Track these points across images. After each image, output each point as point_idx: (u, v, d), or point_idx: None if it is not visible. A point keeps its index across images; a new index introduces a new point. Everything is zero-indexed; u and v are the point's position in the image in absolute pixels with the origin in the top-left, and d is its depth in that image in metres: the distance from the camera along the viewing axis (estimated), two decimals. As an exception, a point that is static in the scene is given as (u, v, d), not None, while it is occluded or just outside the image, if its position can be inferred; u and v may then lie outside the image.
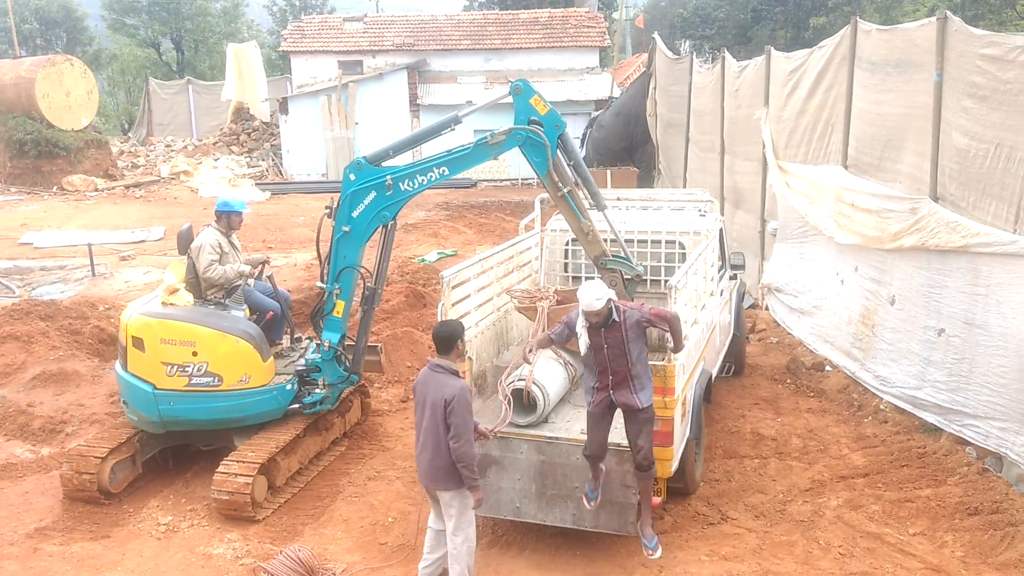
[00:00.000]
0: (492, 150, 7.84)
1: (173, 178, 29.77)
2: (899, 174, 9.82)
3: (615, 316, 6.51)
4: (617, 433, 7.42)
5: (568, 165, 7.78)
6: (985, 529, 7.33)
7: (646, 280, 9.48)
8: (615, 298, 6.64)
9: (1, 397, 10.70)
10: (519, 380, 7.49)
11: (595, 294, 6.42)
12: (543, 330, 7.73)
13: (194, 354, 8.20)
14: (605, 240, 7.98)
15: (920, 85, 9.23)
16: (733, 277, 10.79)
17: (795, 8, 42.86)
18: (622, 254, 7.96)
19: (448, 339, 6.43)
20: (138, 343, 8.29)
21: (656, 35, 24.05)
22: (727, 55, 15.98)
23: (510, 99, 7.87)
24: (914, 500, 7.93)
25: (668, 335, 6.79)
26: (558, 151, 7.69)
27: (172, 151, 34.82)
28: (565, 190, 7.66)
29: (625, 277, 7.86)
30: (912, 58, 9.43)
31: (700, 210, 9.93)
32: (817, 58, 11.80)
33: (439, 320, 7.66)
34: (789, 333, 12.67)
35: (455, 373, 6.38)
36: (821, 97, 11.74)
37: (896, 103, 9.87)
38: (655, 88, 22.99)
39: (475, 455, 6.33)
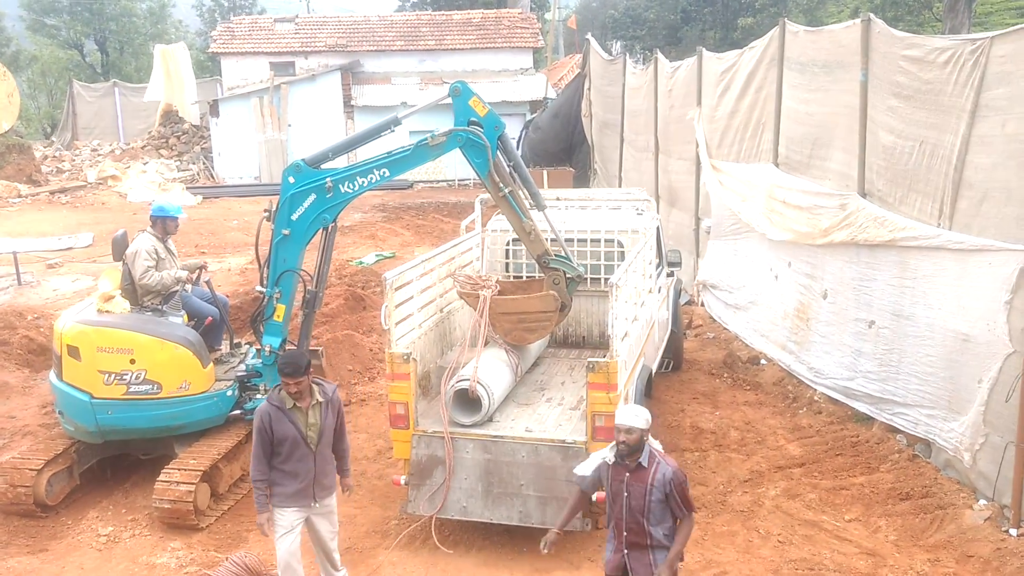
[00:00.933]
0: (433, 151, 7.87)
1: (100, 183, 29.03)
2: (828, 171, 10.11)
3: (645, 460, 5.30)
4: (562, 429, 7.55)
5: (508, 166, 7.85)
6: (916, 513, 7.60)
7: (587, 279, 9.63)
8: (656, 444, 5.51)
9: (-73, 410, 10.37)
10: (463, 380, 7.55)
11: (635, 410, 5.38)
12: (482, 318, 7.87)
13: (132, 362, 8.06)
14: (547, 240, 8.07)
15: (847, 85, 9.53)
16: (670, 274, 10.98)
17: (723, 9, 43.62)
18: (563, 254, 8.06)
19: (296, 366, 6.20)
20: (73, 352, 8.12)
21: (590, 36, 24.29)
22: (660, 56, 16.23)
23: (449, 101, 7.93)
24: (849, 487, 8.18)
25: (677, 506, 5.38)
26: (498, 152, 7.77)
27: (99, 155, 33.97)
28: (506, 190, 7.74)
29: (567, 276, 7.97)
30: (838, 59, 9.72)
31: (638, 209, 10.08)
32: (748, 59, 12.07)
33: (383, 323, 7.69)
34: (725, 328, 12.94)
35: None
36: (752, 97, 12.01)
37: (824, 103, 10.16)
38: (590, 89, 23.21)
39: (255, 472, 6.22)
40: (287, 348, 8.68)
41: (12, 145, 28.84)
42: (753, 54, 11.90)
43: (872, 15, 9.08)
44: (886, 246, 8.65)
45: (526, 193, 7.97)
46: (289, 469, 6.17)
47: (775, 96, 11.26)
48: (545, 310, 7.94)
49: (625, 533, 5.37)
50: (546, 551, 5.72)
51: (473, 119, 7.76)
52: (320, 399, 6.20)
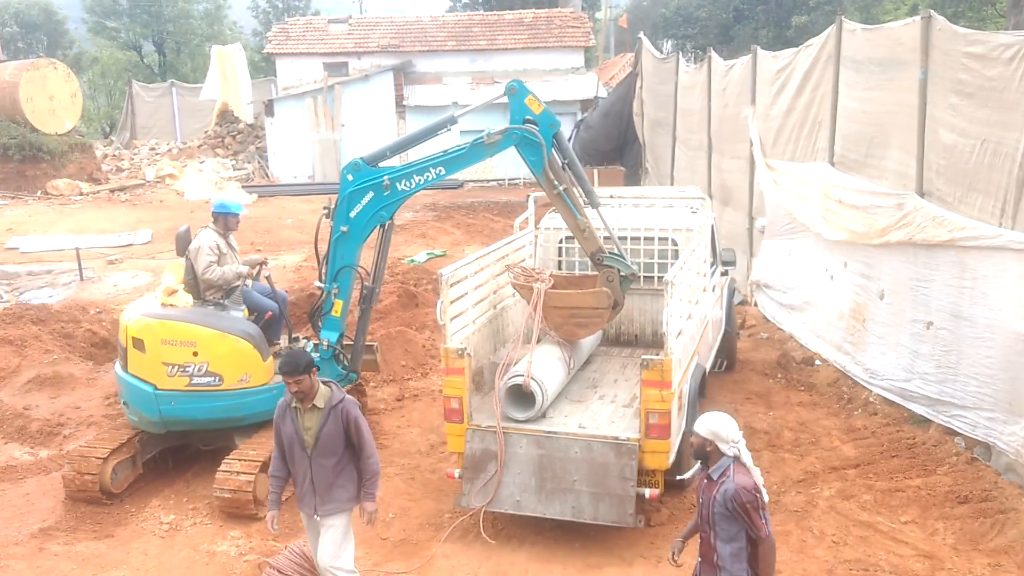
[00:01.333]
0: (488, 150, 7.97)
1: (159, 181, 29.67)
2: (885, 170, 10.00)
3: (716, 472, 5.00)
4: (615, 426, 7.59)
5: (562, 163, 7.91)
6: (975, 517, 7.50)
7: (640, 278, 9.65)
8: (745, 458, 5.03)
9: (-3, 400, 10.72)
10: (517, 375, 7.62)
11: (704, 417, 5.13)
12: (535, 311, 7.90)
13: (195, 354, 8.26)
14: (600, 237, 8.11)
15: (905, 83, 9.42)
16: (724, 273, 10.94)
17: (776, 7, 43.11)
18: (617, 251, 8.09)
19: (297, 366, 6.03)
20: (138, 344, 8.35)
21: (642, 35, 24.23)
22: (713, 54, 16.16)
23: (504, 99, 8.01)
24: (905, 489, 8.10)
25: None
26: (553, 150, 7.83)
27: (157, 154, 34.71)
28: (560, 188, 7.79)
29: (621, 274, 8.00)
30: (896, 56, 9.61)
31: (692, 207, 10.08)
32: (804, 57, 11.97)
33: (438, 320, 7.80)
34: (779, 328, 12.84)
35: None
36: (808, 95, 11.92)
37: (881, 101, 10.05)
38: (642, 88, 23.15)
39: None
40: (344, 343, 8.85)
41: (75, 144, 29.56)
42: (810, 52, 11.80)
43: (932, 11, 8.96)
44: (945, 246, 8.54)
45: (580, 191, 8.02)
46: (292, 470, 6.19)
47: (831, 94, 11.16)
48: (597, 306, 7.98)
49: (700, 543, 5.26)
50: (674, 561, 5.60)
51: (528, 117, 7.84)
52: (320, 405, 6.00)
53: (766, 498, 5.00)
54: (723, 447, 4.98)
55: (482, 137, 7.90)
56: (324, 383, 6.11)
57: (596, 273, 8.22)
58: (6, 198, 26.96)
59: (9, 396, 10.92)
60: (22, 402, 10.77)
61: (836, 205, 10.58)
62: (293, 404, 6.07)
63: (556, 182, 7.79)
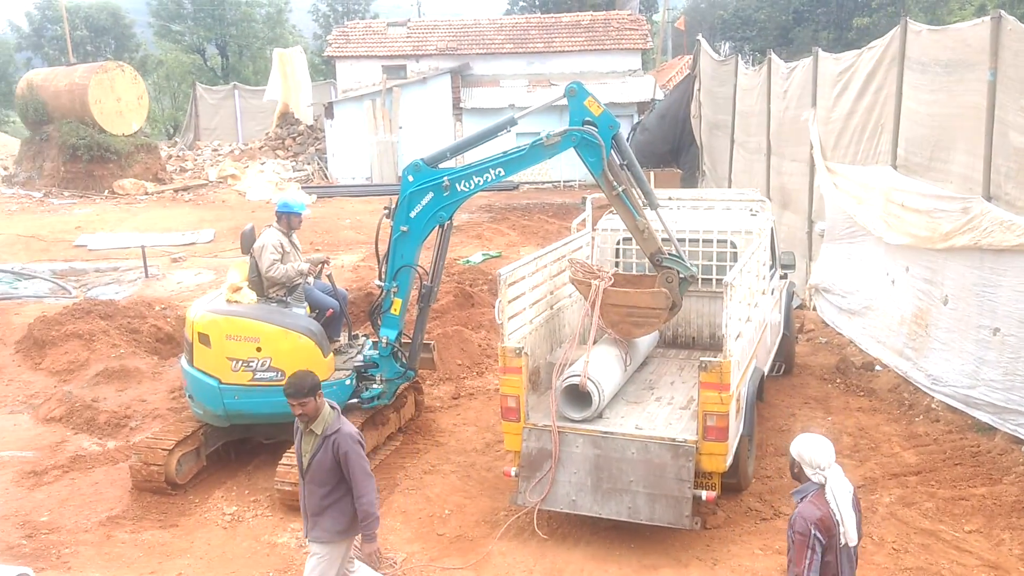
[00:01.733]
0: (547, 151, 8.01)
1: (221, 182, 30.28)
2: (950, 174, 9.82)
3: (797, 495, 4.83)
4: (672, 428, 7.58)
5: (621, 165, 7.92)
6: (1044, 528, 7.34)
7: (698, 280, 9.62)
8: (824, 475, 4.72)
9: (67, 392, 11.05)
10: (574, 375, 7.65)
11: (799, 437, 4.90)
12: (593, 309, 7.90)
13: (258, 350, 8.44)
14: (660, 238, 8.10)
15: (972, 85, 9.24)
16: (783, 277, 10.85)
17: (837, 9, 42.53)
18: (676, 252, 8.07)
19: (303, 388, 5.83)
20: (204, 339, 8.56)
21: (701, 37, 24.10)
22: (773, 56, 16.02)
23: (561, 102, 8.06)
24: (969, 498, 7.95)
25: None
26: (612, 151, 7.84)
27: (219, 155, 35.42)
28: (620, 189, 7.80)
29: (680, 276, 7.98)
30: (964, 58, 9.44)
31: (752, 210, 10.01)
32: (867, 59, 11.81)
33: (496, 319, 7.87)
34: (838, 333, 12.68)
35: None
36: (871, 98, 11.76)
37: (946, 103, 9.88)
38: (699, 90, 23.02)
39: None
40: (402, 341, 8.97)
41: (140, 145, 30.31)
42: (873, 54, 11.64)
43: (1003, 12, 8.79)
44: (1013, 251, 8.37)
45: (639, 192, 8.03)
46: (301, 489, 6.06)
47: (895, 97, 10.99)
48: (655, 307, 7.97)
49: None
50: None
51: (587, 119, 7.87)
52: (317, 431, 5.83)
53: (846, 540, 4.66)
54: (807, 471, 4.76)
55: (542, 138, 7.94)
56: (331, 406, 5.95)
57: (655, 273, 8.21)
58: (75, 197, 27.74)
59: (79, 388, 11.26)
60: (91, 394, 11.09)
61: (898, 209, 10.43)
62: (301, 424, 5.96)
63: (615, 183, 7.81)
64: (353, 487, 5.83)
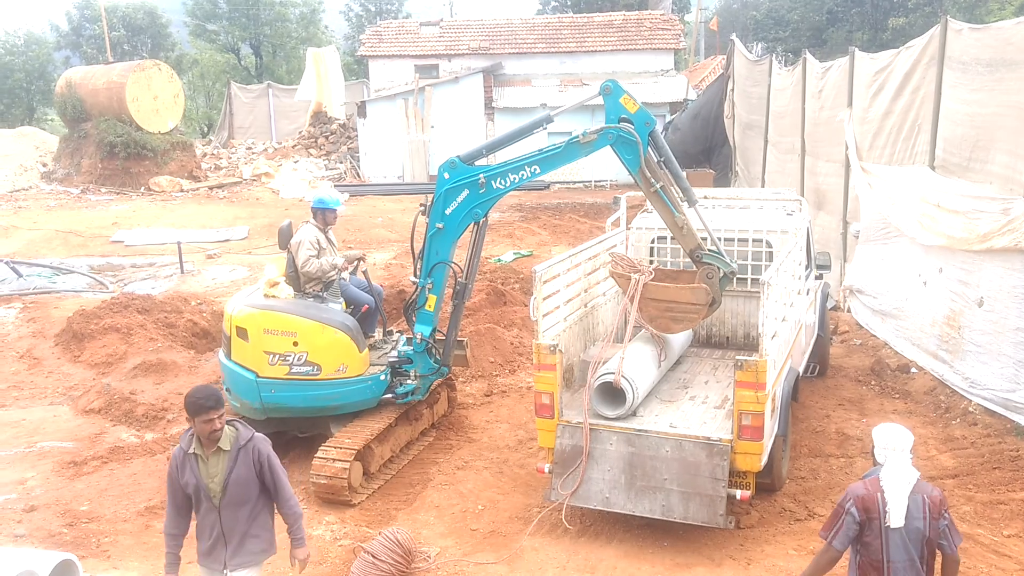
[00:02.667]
0: (584, 149, 8.01)
1: (255, 180, 30.59)
2: (989, 175, 9.72)
3: (867, 476, 5.02)
4: (707, 427, 7.57)
5: (659, 161, 7.91)
6: (1084, 533, 7.24)
7: (733, 279, 9.59)
8: (884, 454, 4.94)
9: (106, 385, 11.22)
10: (608, 373, 7.66)
11: (891, 428, 5.02)
12: (633, 303, 7.89)
13: (295, 344, 8.54)
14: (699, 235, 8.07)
15: (1014, 84, 9.14)
16: (819, 277, 10.78)
17: (872, 9, 42.15)
18: (716, 249, 8.04)
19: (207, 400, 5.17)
20: (242, 333, 8.67)
21: (734, 37, 23.99)
22: (808, 56, 15.92)
23: (595, 101, 8.07)
24: (1008, 502, 7.86)
25: None
26: (649, 148, 7.83)
27: (253, 154, 35.76)
28: (658, 186, 7.79)
29: (720, 272, 7.95)
30: (1005, 57, 9.33)
31: (788, 210, 9.97)
32: (904, 58, 11.71)
33: (531, 316, 7.89)
34: (872, 335, 12.58)
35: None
36: (908, 98, 11.65)
37: (986, 103, 9.77)
38: (733, 90, 22.92)
39: None
40: (436, 337, 9.02)
41: (176, 143, 30.70)
42: (911, 53, 11.54)
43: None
44: (1054, 253, 8.27)
45: (677, 189, 8.00)
46: (199, 522, 5.41)
47: (933, 96, 10.89)
48: (695, 302, 7.94)
49: None
50: None
51: (623, 116, 7.87)
52: (226, 447, 5.23)
53: (889, 522, 4.78)
54: (876, 452, 5.01)
55: (578, 136, 7.95)
56: (228, 423, 5.32)
57: (695, 270, 8.18)
58: (112, 193, 28.15)
59: (117, 381, 11.42)
60: (129, 387, 11.24)
61: (934, 209, 10.33)
62: (192, 450, 5.27)
63: (653, 180, 7.80)
64: (279, 491, 5.43)
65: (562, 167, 8.43)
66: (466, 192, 8.38)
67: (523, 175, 8.27)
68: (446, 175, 8.42)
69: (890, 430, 4.97)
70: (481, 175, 8.29)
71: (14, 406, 11.08)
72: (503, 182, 8.32)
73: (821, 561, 5.07)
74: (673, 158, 7.99)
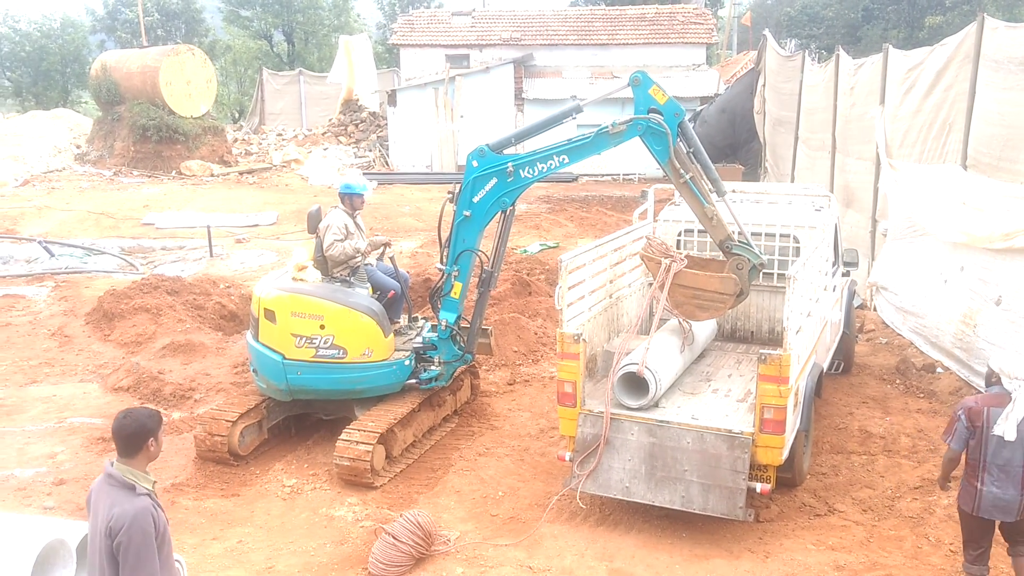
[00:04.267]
0: (612, 139, 8.02)
1: (284, 166, 30.79)
2: (1020, 174, 9.63)
3: None
4: (729, 419, 7.58)
5: (688, 152, 7.91)
6: (1105, 535, 7.18)
7: (759, 273, 9.57)
8: (1014, 384, 5.95)
9: (135, 363, 11.39)
10: (632, 363, 7.69)
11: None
12: (663, 289, 7.90)
13: (321, 327, 8.64)
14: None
15: (1049, 83, 9.06)
16: (845, 274, 10.74)
17: (909, 7, 41.63)
18: (745, 240, 8.04)
19: (133, 436, 4.40)
20: (270, 315, 8.78)
21: (767, 32, 23.85)
22: (842, 52, 15.81)
23: (624, 93, 8.07)
24: (1030, 503, 7.81)
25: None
26: (678, 139, 7.84)
27: (283, 140, 35.98)
28: (687, 176, 7.80)
29: (750, 264, 7.94)
30: (1040, 56, 9.25)
31: (816, 205, 9.93)
32: (937, 56, 11.61)
33: (556, 305, 7.92)
34: (898, 334, 12.51)
35: (131, 488, 4.32)
36: (939, 96, 11.55)
37: (1019, 102, 9.68)
38: (764, 86, 22.79)
39: None
40: (461, 324, 9.09)
41: (208, 127, 30.95)
42: (944, 51, 11.44)
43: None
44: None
45: (706, 180, 8.00)
46: None
47: (967, 95, 10.78)
48: (723, 291, 7.93)
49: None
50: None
51: (653, 107, 7.87)
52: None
53: (995, 430, 5.88)
54: (1004, 380, 5.96)
55: (607, 127, 7.96)
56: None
57: (725, 259, 8.17)
58: (143, 176, 28.45)
59: (145, 360, 11.60)
60: (157, 366, 11.42)
61: (960, 208, 10.26)
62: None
63: (682, 171, 7.80)
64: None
65: (591, 157, 8.44)
66: (494, 180, 8.42)
67: (551, 164, 8.30)
68: (474, 163, 8.47)
69: (1019, 363, 5.94)
70: (509, 164, 8.32)
71: (45, 382, 11.27)
72: (531, 171, 8.35)
73: (944, 460, 6.40)
74: (702, 149, 7.99)
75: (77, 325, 13.40)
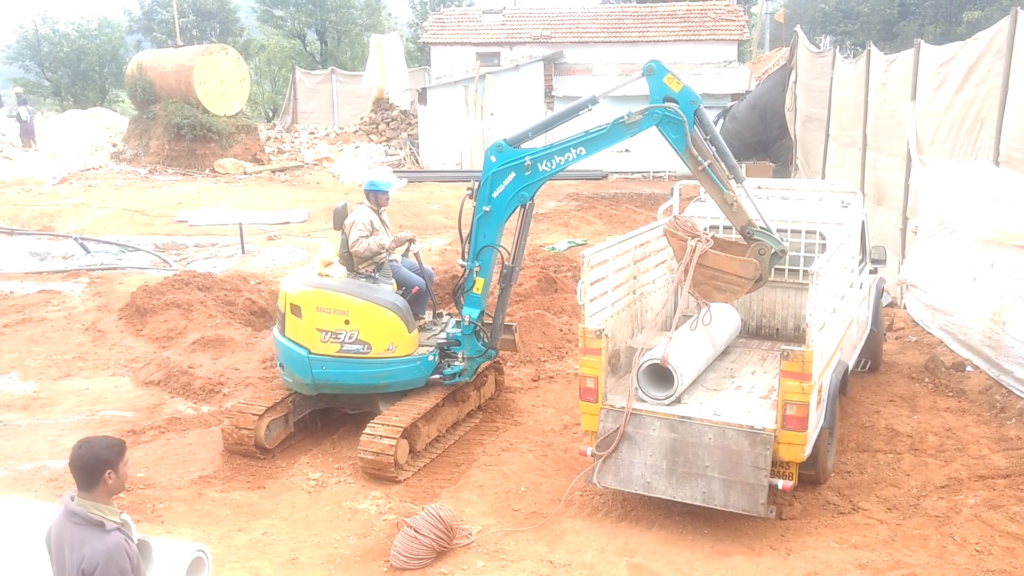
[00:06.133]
0: (629, 129, 8.03)
1: (316, 164, 31.00)
2: (1051, 170, 9.51)
3: None
4: (752, 416, 7.55)
5: (705, 139, 7.89)
6: None
7: (784, 270, 9.53)
8: None
9: (166, 358, 11.56)
10: (655, 356, 7.69)
11: None
12: (688, 273, 7.82)
13: (346, 322, 8.72)
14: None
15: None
16: (873, 272, 10.64)
17: (947, 2, 41.09)
18: (766, 227, 8.00)
19: (89, 468, 4.06)
20: (296, 310, 8.88)
21: (798, 28, 23.65)
22: (873, 48, 15.64)
23: (644, 83, 8.06)
24: (1059, 504, 7.71)
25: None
26: (695, 127, 7.82)
27: (315, 138, 36.24)
28: (705, 163, 7.78)
29: (771, 250, 7.90)
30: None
31: (843, 201, 9.86)
32: (969, 51, 11.45)
33: (578, 301, 7.92)
34: (928, 332, 12.37)
35: (100, 525, 4.02)
36: (971, 91, 11.39)
37: (1052, 97, 9.55)
38: (795, 82, 22.60)
39: None
40: (485, 320, 9.13)
41: (241, 126, 31.23)
42: (977, 45, 11.27)
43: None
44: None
45: (724, 167, 7.97)
46: None
47: (1000, 90, 10.63)
48: (742, 275, 7.87)
49: None
50: None
51: (668, 96, 7.87)
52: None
53: None
54: None
55: (623, 117, 7.98)
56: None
57: (746, 243, 8.12)
58: (178, 174, 28.78)
59: (176, 355, 11.77)
60: (187, 361, 11.58)
61: (991, 204, 10.13)
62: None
63: (700, 158, 7.79)
64: None
65: (608, 148, 8.40)
66: (512, 175, 8.46)
67: (569, 157, 8.33)
68: (493, 158, 8.52)
69: None
70: (527, 158, 8.36)
71: (78, 375, 11.48)
72: (549, 164, 8.38)
73: None
74: (719, 136, 7.97)
75: (110, 320, 13.62)
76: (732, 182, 7.90)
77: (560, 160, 8.29)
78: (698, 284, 8.11)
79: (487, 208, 8.58)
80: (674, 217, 8.72)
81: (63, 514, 4.10)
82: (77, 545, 3.97)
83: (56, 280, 16.11)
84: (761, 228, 7.94)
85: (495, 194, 8.53)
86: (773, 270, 8.20)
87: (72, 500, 4.08)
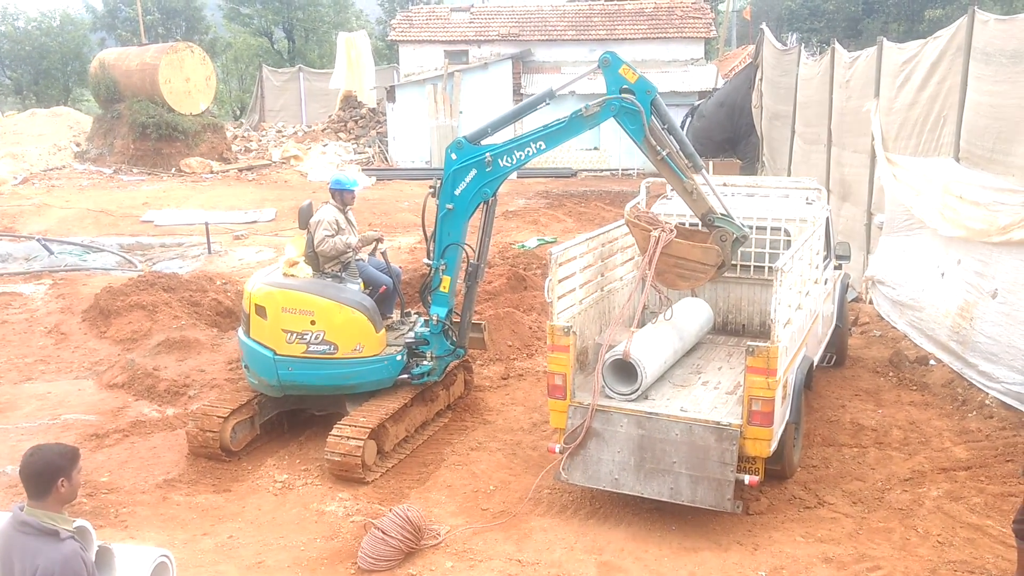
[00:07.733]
0: (588, 122, 8.08)
1: (284, 162, 30.81)
2: (1012, 167, 9.62)
3: None
4: (717, 411, 7.59)
5: (663, 128, 7.93)
6: (1094, 526, 7.19)
7: (750, 267, 9.60)
8: None
9: (130, 360, 11.42)
10: (617, 354, 7.71)
11: None
12: (649, 264, 7.84)
13: (312, 323, 8.65)
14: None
15: (1037, 76, 9.04)
16: (838, 267, 10.74)
17: (909, 1, 41.56)
18: (727, 213, 8.04)
19: (41, 476, 3.92)
20: (261, 311, 8.79)
21: (764, 26, 23.82)
22: (837, 45, 15.77)
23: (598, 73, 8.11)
24: (1018, 495, 7.77)
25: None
26: (652, 116, 7.86)
27: (283, 136, 36.01)
28: (664, 152, 7.82)
29: (733, 236, 7.94)
30: (1029, 48, 9.23)
31: (808, 198, 9.93)
32: (931, 49, 11.59)
33: (546, 298, 7.93)
34: (893, 327, 12.51)
35: (54, 534, 3.89)
36: (934, 88, 11.53)
37: (1010, 94, 9.66)
38: (762, 80, 22.76)
39: None
40: (453, 319, 9.10)
41: (207, 125, 30.98)
42: (937, 44, 11.41)
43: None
44: (1075, 245, 8.19)
45: (683, 155, 8.01)
46: None
47: (959, 88, 10.77)
48: (704, 262, 7.92)
49: None
50: None
51: (624, 87, 7.91)
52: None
53: None
54: None
55: (581, 109, 8.01)
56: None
57: (707, 231, 8.16)
58: (143, 174, 28.49)
59: (141, 357, 11.62)
60: (152, 363, 11.45)
61: (956, 201, 10.25)
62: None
63: (659, 148, 7.83)
64: None
65: (568, 141, 8.46)
66: (474, 172, 8.48)
67: (529, 152, 8.35)
68: (453, 156, 8.54)
69: None
70: (487, 154, 8.38)
71: (40, 379, 11.32)
72: (509, 160, 8.41)
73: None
74: (676, 125, 8.03)
75: (74, 322, 13.44)
76: (691, 170, 7.94)
77: (520, 155, 8.31)
78: (662, 273, 8.13)
79: (450, 206, 8.58)
80: (635, 206, 8.74)
81: (10, 525, 3.94)
82: (29, 556, 3.84)
83: (18, 282, 15.89)
84: (721, 215, 7.98)
85: (457, 191, 8.53)
86: (737, 255, 8.26)
87: (22, 510, 3.93)
